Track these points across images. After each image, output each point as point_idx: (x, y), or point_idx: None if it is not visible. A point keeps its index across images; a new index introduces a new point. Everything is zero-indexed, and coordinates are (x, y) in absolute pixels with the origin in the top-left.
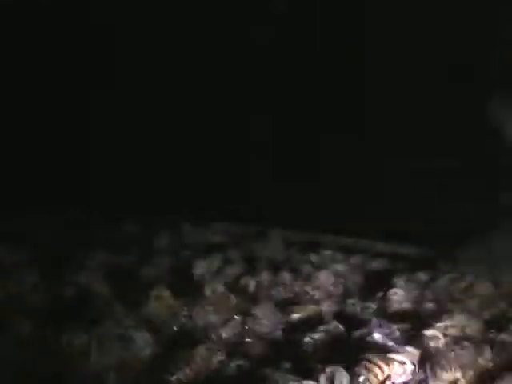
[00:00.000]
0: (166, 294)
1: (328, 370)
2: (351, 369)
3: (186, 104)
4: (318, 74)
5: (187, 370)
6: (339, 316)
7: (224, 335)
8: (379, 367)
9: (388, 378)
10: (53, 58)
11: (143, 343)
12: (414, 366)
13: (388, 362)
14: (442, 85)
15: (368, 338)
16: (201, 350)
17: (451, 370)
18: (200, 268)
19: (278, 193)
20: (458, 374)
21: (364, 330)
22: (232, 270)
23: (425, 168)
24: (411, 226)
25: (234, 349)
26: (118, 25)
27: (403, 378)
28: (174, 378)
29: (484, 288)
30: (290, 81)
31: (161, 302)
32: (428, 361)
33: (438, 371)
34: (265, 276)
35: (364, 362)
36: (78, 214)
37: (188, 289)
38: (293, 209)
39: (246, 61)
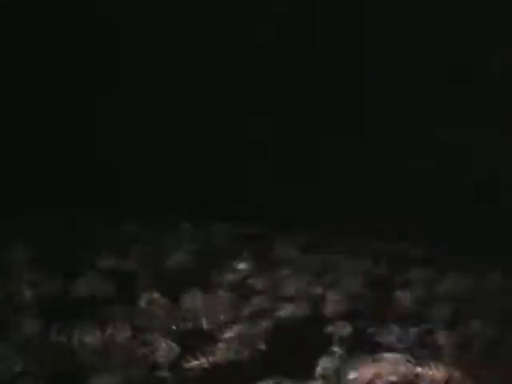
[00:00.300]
0: (165, 296)
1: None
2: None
3: (186, 104)
4: (317, 74)
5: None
6: (347, 316)
7: (232, 334)
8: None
9: (379, 375)
10: (53, 58)
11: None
12: (411, 364)
13: (380, 360)
14: (442, 85)
15: (376, 339)
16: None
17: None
18: (203, 268)
19: (277, 193)
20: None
21: (372, 330)
22: (236, 270)
23: (425, 168)
24: (411, 225)
25: (241, 345)
26: (118, 25)
27: (394, 378)
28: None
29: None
30: (289, 81)
31: (158, 303)
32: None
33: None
34: (271, 276)
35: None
36: (78, 214)
37: (190, 289)
38: (293, 209)
39: (246, 61)
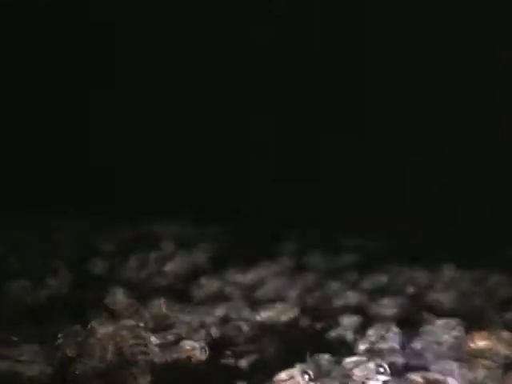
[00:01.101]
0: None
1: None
2: None
3: (185, 104)
4: (317, 74)
5: None
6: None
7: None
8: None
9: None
10: (52, 58)
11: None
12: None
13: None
14: (442, 84)
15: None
16: None
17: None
18: (204, 268)
19: (278, 193)
20: None
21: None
22: (238, 270)
23: (425, 168)
24: (411, 225)
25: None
26: (118, 25)
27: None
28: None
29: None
30: (289, 81)
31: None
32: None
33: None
34: (275, 279)
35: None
36: (78, 215)
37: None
38: (293, 208)
39: (246, 61)
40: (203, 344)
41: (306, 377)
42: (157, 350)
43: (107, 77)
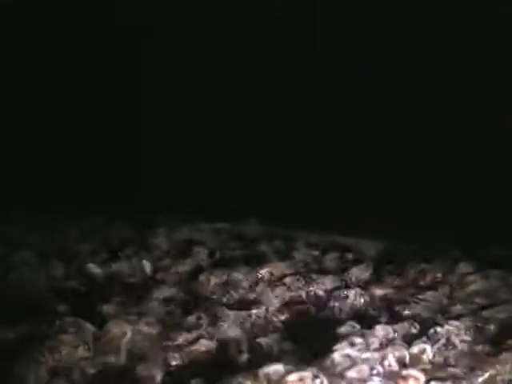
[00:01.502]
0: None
1: None
2: None
3: (184, 104)
4: (317, 74)
5: None
6: None
7: None
8: None
9: None
10: (54, 60)
11: None
12: None
13: None
14: (442, 84)
15: None
16: None
17: None
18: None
19: (278, 193)
20: None
21: None
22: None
23: (424, 169)
24: (410, 226)
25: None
26: (118, 25)
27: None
28: None
29: None
30: (289, 81)
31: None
32: None
33: None
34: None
35: None
36: (78, 215)
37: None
38: (293, 209)
39: (246, 61)
40: (214, 343)
41: (317, 380)
42: (168, 349)
43: (105, 76)
